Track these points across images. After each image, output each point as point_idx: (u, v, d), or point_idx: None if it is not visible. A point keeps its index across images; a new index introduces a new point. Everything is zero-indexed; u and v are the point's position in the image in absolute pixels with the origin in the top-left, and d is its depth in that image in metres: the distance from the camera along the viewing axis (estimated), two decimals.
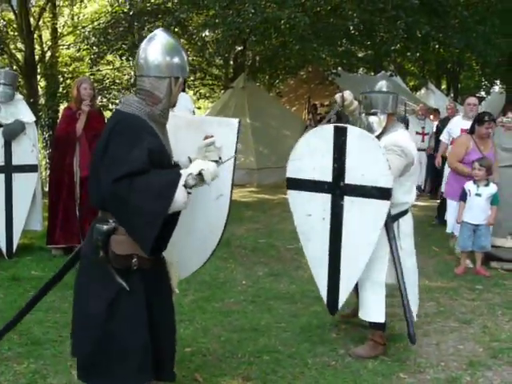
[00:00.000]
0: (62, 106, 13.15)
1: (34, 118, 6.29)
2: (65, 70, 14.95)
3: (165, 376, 2.83)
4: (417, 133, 10.33)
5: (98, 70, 15.02)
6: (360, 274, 3.77)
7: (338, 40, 12.74)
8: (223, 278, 5.61)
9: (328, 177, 3.76)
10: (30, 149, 5.98)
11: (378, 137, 3.89)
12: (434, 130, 10.78)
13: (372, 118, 4.01)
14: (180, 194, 2.43)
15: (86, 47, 13.56)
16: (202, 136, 2.88)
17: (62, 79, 14.57)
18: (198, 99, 17.97)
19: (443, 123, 9.43)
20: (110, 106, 13.70)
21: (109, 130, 2.57)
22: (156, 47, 2.61)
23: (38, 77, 14.30)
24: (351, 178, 3.70)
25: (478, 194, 5.86)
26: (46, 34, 15.22)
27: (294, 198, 3.93)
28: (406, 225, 3.99)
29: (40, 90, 14.51)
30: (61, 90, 14.04)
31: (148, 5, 12.94)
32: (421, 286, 5.43)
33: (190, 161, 2.82)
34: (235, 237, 7.11)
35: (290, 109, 16.83)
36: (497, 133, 6.55)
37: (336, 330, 4.40)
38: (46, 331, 4.16)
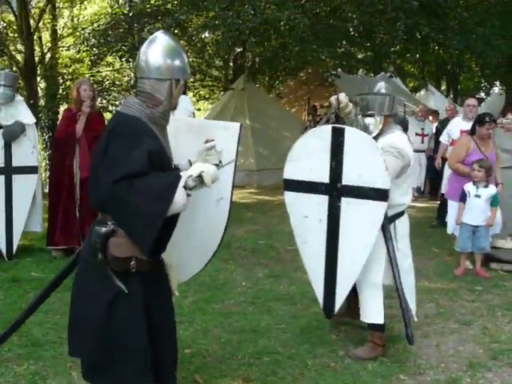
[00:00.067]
0: (62, 108, 13.15)
1: (34, 120, 6.30)
2: (65, 71, 14.95)
3: (165, 379, 2.83)
4: (416, 134, 10.34)
5: (98, 72, 15.02)
6: (357, 276, 3.77)
7: (337, 41, 12.74)
8: (223, 279, 5.61)
9: (325, 178, 3.76)
10: (30, 150, 5.99)
11: (375, 138, 3.89)
12: (434, 131, 10.80)
13: (368, 120, 4.01)
14: (180, 195, 2.43)
15: (85, 49, 13.57)
16: (203, 139, 2.88)
17: (61, 81, 14.57)
18: (198, 101, 17.96)
19: (443, 124, 9.43)
20: (110, 108, 13.70)
21: (109, 131, 2.57)
22: (157, 49, 2.61)
23: (38, 78, 14.30)
24: (348, 179, 3.69)
25: (477, 196, 5.86)
26: (46, 36, 15.23)
27: (291, 199, 3.92)
28: (402, 226, 4.00)
29: (40, 91, 14.52)
30: (61, 91, 14.04)
31: (148, 6, 12.95)
32: (421, 288, 5.45)
33: (191, 164, 2.82)
34: (235, 238, 7.11)
35: (289, 110, 16.85)
36: (497, 134, 6.56)
37: (336, 331, 4.40)
38: (46, 332, 4.16)
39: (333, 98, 4.12)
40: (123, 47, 12.96)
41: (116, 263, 2.54)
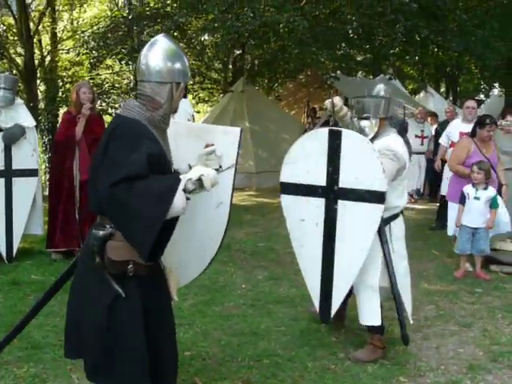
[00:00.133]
0: (62, 111, 13.15)
1: (34, 123, 6.30)
2: (64, 74, 14.94)
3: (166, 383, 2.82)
4: (416, 136, 10.34)
5: (98, 75, 15.01)
6: (354, 279, 3.77)
7: (336, 44, 12.73)
8: (223, 281, 5.61)
9: (322, 181, 3.76)
10: (30, 153, 6.00)
11: (371, 141, 3.90)
12: (433, 133, 10.80)
13: (364, 123, 4.02)
14: (179, 198, 2.42)
15: (85, 51, 13.58)
16: (203, 144, 2.88)
17: (61, 83, 14.57)
18: (197, 103, 17.97)
19: (442, 126, 9.44)
20: (110, 111, 13.70)
21: (108, 133, 2.57)
22: (157, 53, 2.61)
23: (38, 81, 14.29)
24: (345, 181, 3.70)
25: (476, 198, 5.87)
26: (46, 39, 15.23)
27: (287, 202, 3.92)
28: (397, 228, 4.01)
29: (40, 94, 14.51)
30: (60, 94, 14.03)
31: (147, 9, 12.97)
32: (420, 290, 5.47)
33: (191, 168, 2.82)
34: (235, 240, 7.11)
35: (289, 112, 16.85)
36: (496, 136, 6.56)
37: (336, 333, 4.40)
38: (46, 335, 4.16)
39: (327, 102, 4.14)
40: (123, 50, 12.96)
41: (113, 266, 2.54)
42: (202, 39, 13.08)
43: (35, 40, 13.98)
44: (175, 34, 12.13)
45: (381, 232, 3.78)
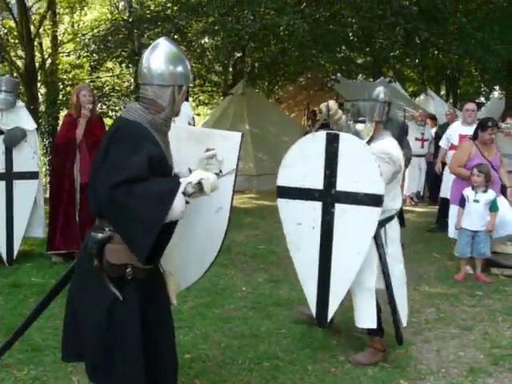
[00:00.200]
0: (62, 113, 13.17)
1: (35, 126, 6.30)
2: (65, 77, 14.98)
3: None
4: (416, 139, 10.34)
5: (98, 77, 15.06)
6: (350, 283, 3.76)
7: (337, 46, 12.77)
8: (223, 284, 5.61)
9: (319, 184, 3.75)
10: (30, 156, 6.00)
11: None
12: (433, 136, 10.81)
13: (359, 126, 4.02)
14: (178, 201, 2.41)
15: (85, 54, 13.60)
16: (204, 148, 2.88)
17: (61, 86, 14.60)
18: (198, 106, 17.99)
19: (442, 129, 9.45)
20: (110, 113, 13.72)
21: (109, 136, 2.57)
22: (159, 56, 2.61)
23: (39, 84, 14.33)
24: (343, 184, 3.69)
25: (476, 201, 5.87)
26: (47, 42, 15.28)
27: (284, 206, 3.91)
28: (392, 231, 4.01)
29: (40, 97, 14.54)
30: (61, 97, 14.06)
31: (147, 12, 13.00)
32: (421, 292, 5.48)
33: (191, 172, 2.82)
34: (235, 243, 7.11)
35: (289, 115, 16.87)
36: (496, 139, 6.56)
37: (336, 336, 4.39)
38: (46, 337, 4.16)
39: (323, 105, 4.15)
40: (123, 53, 12.99)
41: (112, 270, 2.53)
42: (203, 42, 13.13)
43: (36, 43, 14.03)
44: (175, 36, 12.15)
45: (376, 235, 3.78)
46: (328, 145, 3.71)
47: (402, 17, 10.79)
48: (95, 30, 14.35)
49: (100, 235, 2.52)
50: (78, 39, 14.86)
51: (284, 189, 3.88)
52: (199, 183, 2.47)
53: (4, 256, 5.92)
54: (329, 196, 3.74)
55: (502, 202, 6.08)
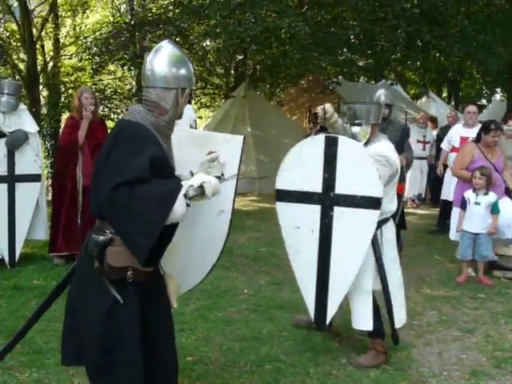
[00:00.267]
0: (64, 116, 13.20)
1: (37, 128, 6.32)
2: (67, 79, 15.01)
3: None
4: (418, 141, 10.35)
5: (100, 80, 15.07)
6: (349, 286, 3.76)
7: (338, 49, 12.77)
8: (225, 286, 5.61)
9: (318, 187, 3.77)
10: (33, 158, 6.01)
11: None
12: (435, 138, 10.80)
13: (356, 129, 4.03)
14: (179, 204, 2.41)
15: (87, 57, 13.62)
16: (206, 151, 2.88)
17: (63, 89, 14.62)
18: (199, 108, 17.99)
19: (444, 131, 9.45)
20: (112, 116, 13.74)
21: (112, 137, 2.57)
22: (162, 59, 2.62)
23: (41, 87, 14.35)
24: (341, 188, 3.71)
25: (476, 203, 5.86)
26: (49, 45, 15.30)
27: (283, 209, 3.92)
28: (388, 232, 4.02)
29: (42, 99, 14.56)
30: (63, 99, 14.09)
31: (149, 15, 13.02)
32: (423, 295, 5.47)
33: (192, 175, 2.82)
34: (237, 246, 7.11)
35: (290, 118, 16.86)
36: (499, 141, 6.55)
37: (338, 339, 4.39)
38: (48, 340, 4.16)
39: (319, 108, 4.16)
40: (125, 55, 13.02)
41: (112, 272, 2.52)
42: (204, 44, 13.15)
43: (38, 46, 14.06)
44: (177, 39, 12.17)
45: (372, 236, 3.79)
46: (327, 148, 3.73)
47: (403, 19, 10.79)
48: (97, 33, 14.36)
49: (101, 237, 2.52)
50: (79, 42, 14.88)
51: (283, 192, 3.89)
52: (201, 186, 2.47)
53: (6, 258, 5.93)
54: (327, 199, 3.75)
55: (507, 203, 6.08)
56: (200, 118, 17.85)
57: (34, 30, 13.67)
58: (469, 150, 6.37)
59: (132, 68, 14.10)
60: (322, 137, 3.79)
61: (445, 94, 24.88)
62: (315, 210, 3.78)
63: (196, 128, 8.83)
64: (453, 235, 6.41)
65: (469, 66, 16.44)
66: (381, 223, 3.89)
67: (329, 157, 3.72)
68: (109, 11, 16.66)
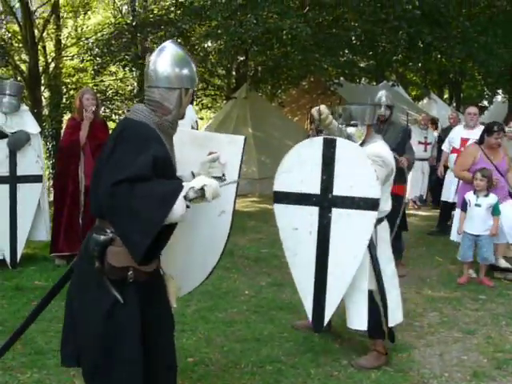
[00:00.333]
0: (66, 117, 13.21)
1: (39, 129, 6.32)
2: (68, 80, 15.02)
3: None
4: (419, 142, 10.34)
5: (102, 81, 15.08)
6: (347, 287, 3.77)
7: (340, 50, 12.77)
8: (226, 287, 5.61)
9: (316, 189, 3.78)
10: (34, 159, 6.01)
11: None
12: (436, 139, 10.80)
13: (351, 130, 4.05)
14: (179, 204, 2.42)
15: (89, 58, 13.63)
16: (207, 152, 2.89)
17: (65, 90, 14.64)
18: (201, 110, 17.99)
19: (445, 133, 9.45)
20: (114, 117, 13.75)
21: (116, 135, 2.57)
22: (166, 59, 2.63)
23: (42, 88, 14.36)
24: (339, 189, 3.72)
25: (477, 205, 5.86)
26: (50, 46, 15.32)
27: (281, 211, 3.94)
28: (383, 232, 4.04)
29: (44, 100, 14.57)
30: (64, 100, 14.10)
31: (151, 16, 13.03)
32: (424, 296, 5.47)
33: (193, 176, 2.83)
34: (238, 247, 7.11)
35: (292, 119, 16.86)
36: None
37: (339, 340, 4.39)
38: (49, 341, 4.16)
39: (314, 110, 4.17)
40: (126, 56, 13.02)
41: (113, 272, 2.53)
42: (206, 46, 13.16)
43: (40, 47, 14.07)
44: (179, 40, 12.16)
45: None
46: (325, 150, 3.75)
47: (404, 21, 10.80)
48: (99, 34, 14.37)
49: (102, 237, 2.52)
50: (81, 43, 14.89)
51: (281, 194, 3.91)
52: (202, 189, 2.47)
53: (7, 259, 5.93)
54: (326, 201, 3.77)
55: (510, 205, 6.07)
56: (201, 119, 17.83)
57: (36, 31, 13.69)
58: (471, 152, 6.37)
59: (133, 69, 14.11)
60: (320, 139, 3.81)
61: (446, 96, 24.89)
62: (313, 212, 3.80)
63: (197, 129, 8.83)
64: (454, 236, 6.41)
65: (470, 68, 16.44)
66: (376, 223, 3.91)
67: (327, 158, 3.74)
68: (110, 12, 16.69)
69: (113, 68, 14.80)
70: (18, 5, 13.44)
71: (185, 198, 2.44)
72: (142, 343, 2.58)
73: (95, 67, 13.56)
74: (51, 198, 6.98)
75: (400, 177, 5.61)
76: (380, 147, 4.00)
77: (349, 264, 3.71)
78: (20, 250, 5.99)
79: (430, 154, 10.63)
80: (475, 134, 7.48)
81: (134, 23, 12.94)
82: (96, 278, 2.55)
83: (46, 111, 14.23)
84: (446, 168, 8.25)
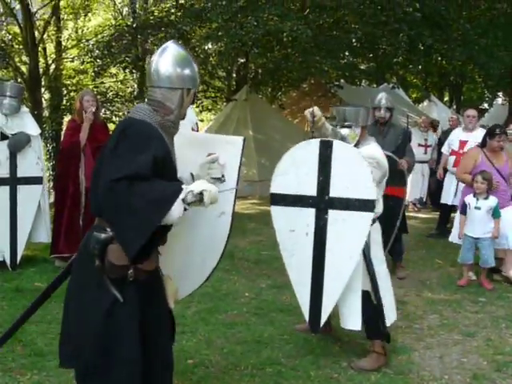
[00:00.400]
0: (66, 119, 13.21)
1: (39, 131, 6.33)
2: (68, 82, 15.03)
3: None
4: (419, 145, 10.35)
5: (102, 83, 15.09)
6: (343, 288, 3.77)
7: (340, 52, 12.77)
8: (226, 289, 5.61)
9: (312, 191, 3.79)
10: (34, 161, 6.02)
11: None
12: (436, 141, 10.80)
13: (345, 131, 4.07)
14: (177, 207, 2.42)
15: (89, 60, 13.63)
16: (206, 153, 2.89)
17: (65, 92, 14.64)
18: (201, 111, 18.00)
19: (446, 135, 9.46)
20: (114, 119, 13.75)
21: (118, 133, 2.57)
22: (167, 59, 2.65)
23: (42, 89, 14.36)
24: (336, 190, 3.73)
25: (477, 208, 5.86)
26: (51, 47, 15.32)
27: (277, 213, 3.94)
28: (375, 233, 4.04)
29: (44, 102, 14.57)
30: (64, 102, 14.11)
31: (151, 18, 13.03)
32: (424, 299, 5.47)
33: (193, 177, 2.84)
34: (238, 249, 7.11)
35: (292, 121, 16.88)
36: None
37: (339, 342, 4.39)
38: (49, 342, 4.16)
39: (307, 112, 4.19)
40: (127, 58, 13.02)
41: (113, 270, 2.52)
42: (206, 48, 13.15)
43: (40, 48, 14.07)
44: (179, 42, 12.18)
45: None
46: (321, 151, 3.76)
47: (405, 23, 10.80)
48: (99, 36, 14.38)
49: (103, 235, 2.51)
50: (81, 45, 14.90)
51: (278, 196, 3.91)
52: (201, 194, 2.48)
53: (8, 261, 5.94)
54: (322, 202, 3.78)
55: None
56: (202, 121, 17.83)
57: (36, 33, 13.69)
58: (473, 155, 6.36)
59: (134, 71, 14.12)
60: (316, 140, 3.84)
61: (446, 98, 24.88)
62: (310, 213, 3.81)
63: (198, 131, 8.83)
64: (452, 238, 6.41)
65: (471, 70, 16.43)
66: None
67: (323, 160, 3.75)
68: (111, 14, 16.71)
69: (113, 70, 14.81)
70: (18, 6, 13.45)
71: (183, 200, 2.44)
72: (141, 343, 2.58)
73: (95, 69, 13.56)
74: (52, 200, 6.98)
75: (400, 179, 5.62)
76: (374, 149, 4.04)
77: (345, 265, 3.73)
78: (20, 251, 5.99)
79: (430, 157, 10.64)
80: (474, 136, 7.49)
81: (134, 25, 12.94)
82: (95, 276, 2.54)
83: (46, 113, 14.23)
84: (445, 170, 8.25)
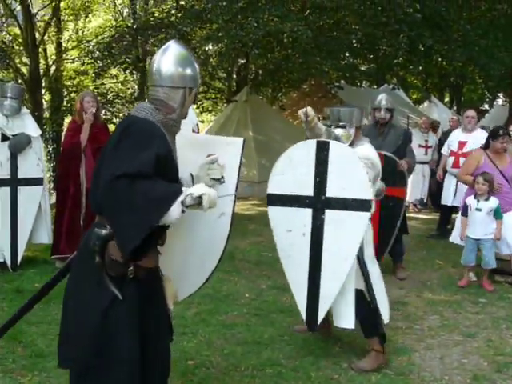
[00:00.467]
0: (67, 120, 13.21)
1: (39, 132, 6.33)
2: (69, 83, 15.02)
3: None
4: (420, 146, 10.34)
5: (102, 84, 15.10)
6: (340, 287, 3.78)
7: (340, 53, 12.76)
8: (226, 290, 5.61)
9: (309, 191, 3.80)
10: (35, 162, 6.03)
11: None
12: (437, 142, 10.80)
13: (339, 131, 4.09)
14: (175, 208, 2.42)
15: (90, 61, 13.63)
16: (206, 154, 2.90)
17: (66, 93, 14.64)
18: (201, 113, 18.00)
19: (446, 136, 9.46)
20: (114, 120, 13.75)
21: (121, 130, 2.57)
22: (169, 58, 2.66)
23: (43, 90, 14.37)
24: (332, 191, 3.75)
25: (478, 209, 5.85)
26: (51, 48, 15.32)
27: (275, 213, 3.95)
28: (368, 233, 4.04)
29: (44, 103, 14.58)
30: (65, 103, 14.11)
31: (152, 19, 13.03)
32: (424, 299, 5.48)
33: (192, 177, 2.84)
34: (239, 250, 7.11)
35: (292, 122, 16.88)
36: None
37: (339, 343, 4.39)
38: (50, 343, 4.15)
39: (301, 112, 4.21)
40: (127, 59, 13.03)
41: (113, 267, 2.52)
42: (206, 49, 13.15)
43: (40, 50, 14.07)
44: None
45: None
46: (318, 152, 3.78)
47: (405, 24, 10.80)
48: (99, 37, 14.38)
49: (104, 232, 2.51)
50: (82, 46, 14.89)
51: (275, 196, 3.93)
52: (200, 197, 2.48)
53: (8, 262, 5.94)
54: (319, 202, 3.79)
55: None
56: (202, 122, 17.85)
57: (37, 34, 13.69)
58: (475, 156, 6.36)
59: (134, 72, 14.13)
60: (313, 141, 3.86)
61: (447, 99, 24.88)
62: (307, 214, 3.82)
63: (198, 132, 8.84)
64: (453, 238, 6.40)
65: (471, 71, 16.43)
66: None
67: (320, 160, 3.77)
68: (111, 15, 16.71)
69: (113, 71, 14.82)
70: (18, 7, 13.46)
71: (182, 203, 2.44)
72: (140, 342, 2.58)
73: (96, 70, 13.56)
74: (53, 201, 6.98)
75: (400, 180, 5.63)
76: (368, 149, 4.06)
77: (341, 265, 3.74)
78: (21, 252, 5.99)
79: (431, 158, 10.63)
80: (473, 137, 7.50)
81: (134, 26, 12.95)
82: (95, 274, 2.54)
83: (46, 114, 14.23)
84: (445, 172, 8.25)
